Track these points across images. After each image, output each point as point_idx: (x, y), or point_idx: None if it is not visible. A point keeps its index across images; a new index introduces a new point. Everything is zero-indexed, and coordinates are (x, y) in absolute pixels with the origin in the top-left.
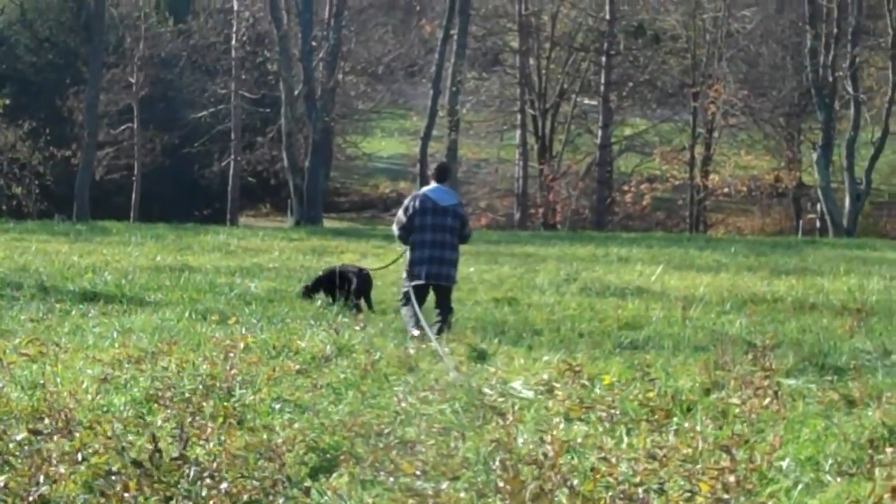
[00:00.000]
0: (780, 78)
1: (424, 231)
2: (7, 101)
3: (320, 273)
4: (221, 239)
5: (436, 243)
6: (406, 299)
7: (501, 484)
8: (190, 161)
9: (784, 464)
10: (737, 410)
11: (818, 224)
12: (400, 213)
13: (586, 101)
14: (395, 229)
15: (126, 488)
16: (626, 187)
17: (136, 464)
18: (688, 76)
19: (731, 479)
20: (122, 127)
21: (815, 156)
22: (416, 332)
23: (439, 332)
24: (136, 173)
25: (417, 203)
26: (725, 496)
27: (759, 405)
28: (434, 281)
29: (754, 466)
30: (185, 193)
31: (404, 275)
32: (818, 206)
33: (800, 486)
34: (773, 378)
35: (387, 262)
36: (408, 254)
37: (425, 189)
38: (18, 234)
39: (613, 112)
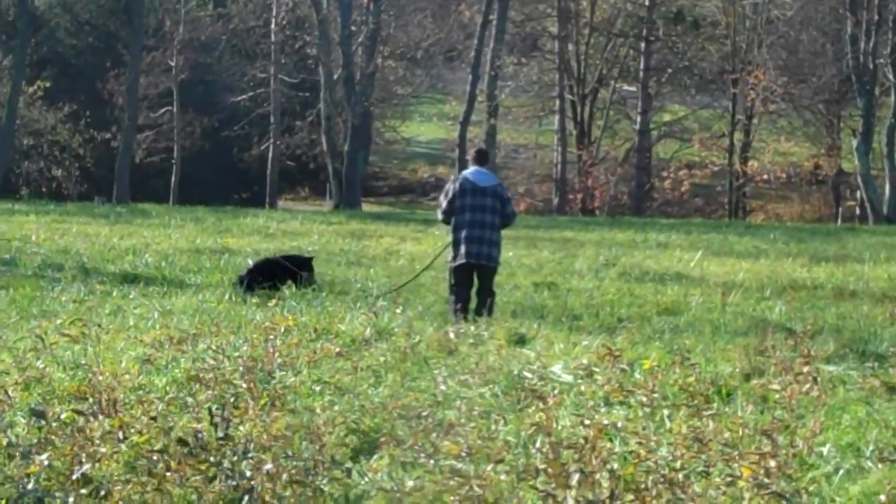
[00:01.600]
0: (820, 65)
1: (464, 212)
2: (47, 84)
3: (252, 263)
4: (261, 222)
5: (475, 223)
6: (452, 287)
7: (543, 466)
8: (229, 144)
9: (825, 450)
10: (777, 396)
11: (858, 211)
12: (441, 197)
13: (625, 86)
14: (439, 215)
15: (168, 467)
16: (664, 173)
17: (181, 443)
18: (727, 62)
19: (773, 464)
20: (162, 110)
21: (854, 143)
22: (453, 317)
23: (478, 314)
24: (176, 156)
25: (457, 185)
26: (766, 481)
27: (799, 391)
28: (475, 260)
29: (795, 452)
30: (224, 177)
31: (448, 259)
32: (858, 194)
33: (840, 472)
34: (814, 364)
35: (428, 263)
36: (450, 236)
37: (465, 172)
38: (59, 216)
39: (652, 98)
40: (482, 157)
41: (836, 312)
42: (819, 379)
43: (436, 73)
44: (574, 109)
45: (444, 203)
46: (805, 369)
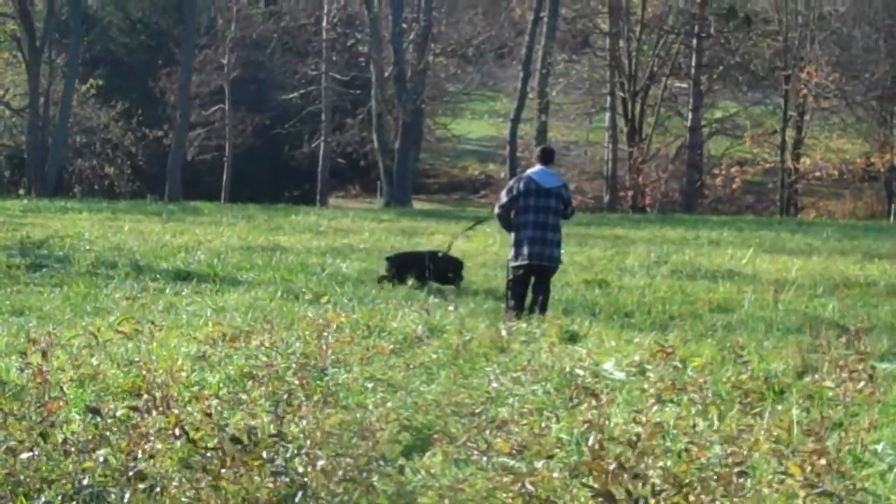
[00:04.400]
0: (872, 61)
1: (528, 212)
2: (100, 83)
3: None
4: (312, 219)
5: (538, 224)
6: (510, 284)
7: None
8: (280, 142)
9: (879, 447)
10: (830, 394)
11: None
12: (503, 193)
13: (676, 83)
14: (496, 209)
15: (223, 464)
16: (716, 170)
17: (234, 440)
18: (779, 59)
19: (822, 462)
20: (214, 108)
21: None
22: (509, 318)
23: (531, 311)
24: (228, 154)
25: (522, 185)
26: (816, 480)
27: (853, 389)
28: (537, 261)
29: (849, 450)
30: (275, 174)
31: (509, 257)
32: None
33: None
34: (867, 361)
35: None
36: (511, 236)
37: (530, 171)
38: (112, 214)
39: (704, 95)
40: (547, 157)
41: (889, 310)
42: (873, 376)
43: (487, 70)
44: (625, 106)
45: (504, 198)
46: (859, 366)
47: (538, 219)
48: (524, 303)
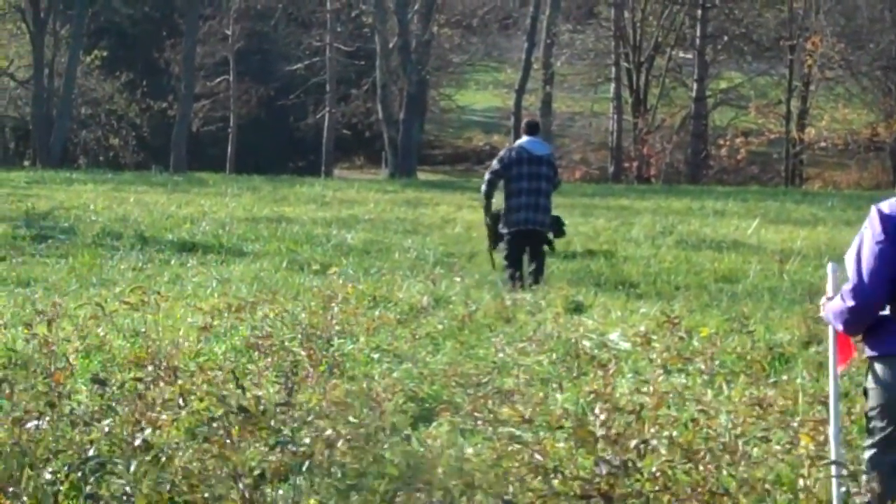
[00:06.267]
0: (878, 31)
1: (521, 180)
2: (104, 54)
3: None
4: (317, 190)
5: (531, 191)
6: (507, 251)
7: (602, 433)
8: (285, 113)
9: None
10: None
11: None
12: (494, 162)
13: (681, 54)
14: (486, 176)
15: (229, 434)
16: (721, 141)
17: (241, 409)
18: (784, 29)
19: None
20: (218, 79)
21: None
22: (508, 284)
23: (535, 282)
24: (232, 125)
25: (514, 154)
26: (825, 449)
27: (858, 358)
28: (530, 226)
29: (855, 419)
30: (280, 145)
31: (501, 225)
32: None
33: None
34: None
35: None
36: (504, 203)
37: (520, 142)
38: (116, 185)
39: (709, 65)
40: (533, 128)
41: None
42: None
43: (491, 40)
44: (630, 77)
45: (497, 167)
46: None
47: (531, 186)
48: (521, 267)
